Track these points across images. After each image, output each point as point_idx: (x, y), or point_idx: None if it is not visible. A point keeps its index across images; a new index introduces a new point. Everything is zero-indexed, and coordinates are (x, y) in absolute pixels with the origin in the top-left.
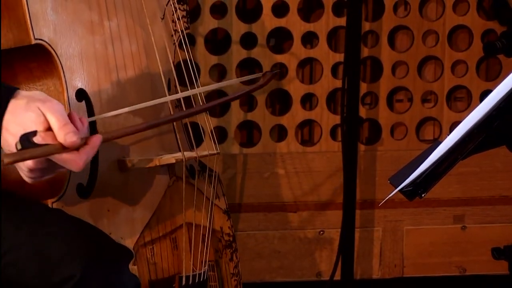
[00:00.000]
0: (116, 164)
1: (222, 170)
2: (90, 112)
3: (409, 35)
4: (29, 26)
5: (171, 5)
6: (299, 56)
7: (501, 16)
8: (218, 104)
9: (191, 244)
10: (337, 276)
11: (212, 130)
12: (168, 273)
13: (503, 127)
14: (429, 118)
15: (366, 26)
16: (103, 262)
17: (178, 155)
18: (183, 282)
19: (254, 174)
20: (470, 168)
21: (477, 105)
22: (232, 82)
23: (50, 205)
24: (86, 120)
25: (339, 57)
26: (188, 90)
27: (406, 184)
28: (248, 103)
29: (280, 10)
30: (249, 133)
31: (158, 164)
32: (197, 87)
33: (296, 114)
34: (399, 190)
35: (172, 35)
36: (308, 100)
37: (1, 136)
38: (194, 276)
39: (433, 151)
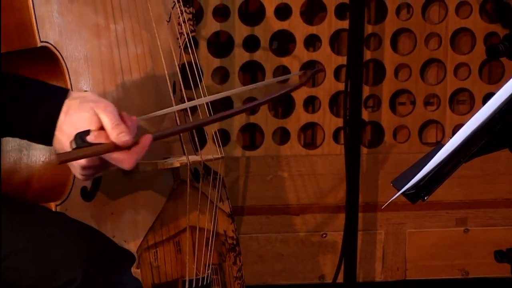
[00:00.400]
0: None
1: (225, 173)
2: None
3: (411, 38)
4: (35, 28)
5: (177, 8)
6: (301, 59)
7: (503, 19)
8: (256, 105)
9: (195, 247)
10: (340, 279)
11: (216, 133)
12: (172, 277)
13: (506, 130)
14: (431, 121)
15: (369, 29)
16: (105, 266)
17: (183, 159)
18: (187, 286)
19: (257, 177)
20: (473, 171)
21: (480, 108)
22: (268, 82)
23: (54, 208)
24: (136, 120)
25: (342, 60)
26: (193, 92)
27: (409, 187)
28: None
29: (282, 13)
30: (251, 136)
31: (162, 168)
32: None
33: (299, 117)
34: (401, 193)
35: (178, 38)
36: (310, 103)
37: (55, 136)
38: (197, 280)
39: (435, 154)
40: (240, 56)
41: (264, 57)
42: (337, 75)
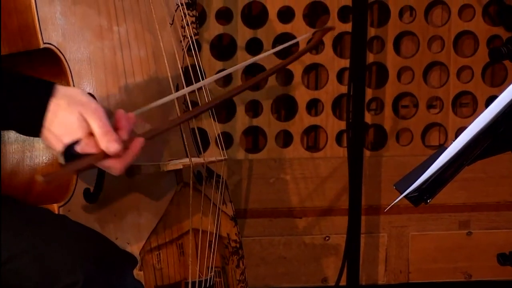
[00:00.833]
0: None
1: (228, 175)
2: None
3: (414, 41)
4: (38, 30)
5: (180, 10)
6: (304, 62)
7: (506, 22)
8: (257, 81)
9: (198, 250)
10: (343, 282)
11: (219, 135)
12: (174, 279)
13: (509, 133)
14: (434, 124)
15: (372, 31)
16: (106, 269)
17: (186, 161)
18: None
19: (260, 179)
20: (476, 174)
21: (483, 111)
22: (268, 53)
23: (56, 209)
24: (133, 116)
25: (345, 62)
26: (197, 96)
27: (412, 190)
28: (254, 108)
29: (285, 15)
30: (254, 138)
31: (165, 170)
32: (204, 93)
33: (302, 119)
34: (404, 196)
35: (181, 41)
36: (313, 106)
37: (42, 134)
38: (200, 282)
39: (438, 157)
40: (242, 58)
41: (266, 60)
42: (340, 78)
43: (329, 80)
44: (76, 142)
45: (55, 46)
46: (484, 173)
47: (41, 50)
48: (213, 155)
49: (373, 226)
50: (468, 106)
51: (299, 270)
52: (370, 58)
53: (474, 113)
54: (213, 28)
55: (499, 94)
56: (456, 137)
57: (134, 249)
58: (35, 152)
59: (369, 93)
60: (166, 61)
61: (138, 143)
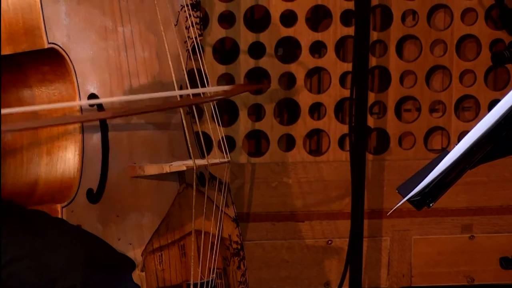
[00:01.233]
0: (126, 170)
1: (230, 179)
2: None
3: (417, 45)
4: (43, 30)
5: (184, 11)
6: (307, 65)
7: (509, 26)
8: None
9: (200, 251)
10: (345, 286)
11: (223, 137)
12: (176, 281)
13: (511, 137)
14: (437, 128)
15: (374, 35)
16: (104, 272)
17: (189, 162)
18: None
19: (262, 183)
20: (478, 177)
21: (485, 114)
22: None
23: (60, 210)
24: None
25: (347, 66)
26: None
27: (414, 194)
28: (256, 112)
29: (288, 19)
30: (257, 142)
31: (168, 171)
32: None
33: (304, 123)
34: (407, 200)
35: (185, 42)
36: (316, 110)
37: None
38: (202, 283)
39: (441, 160)
40: (245, 62)
41: (269, 63)
42: (342, 82)
43: (331, 84)
44: None
45: (59, 46)
46: (487, 177)
47: (46, 50)
48: (216, 157)
49: (375, 229)
50: (470, 109)
51: (301, 274)
52: (373, 62)
53: (477, 116)
54: (216, 32)
55: (502, 98)
56: (458, 141)
57: (136, 250)
58: (38, 153)
59: (371, 97)
60: (170, 62)
61: None
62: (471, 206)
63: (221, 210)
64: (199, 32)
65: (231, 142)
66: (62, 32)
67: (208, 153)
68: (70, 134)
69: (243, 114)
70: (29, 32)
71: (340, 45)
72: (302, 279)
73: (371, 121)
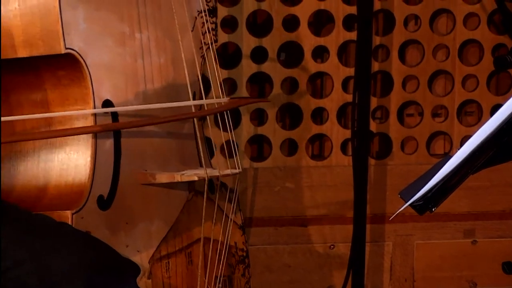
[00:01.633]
0: (137, 177)
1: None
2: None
3: (419, 49)
4: (61, 35)
5: (201, 17)
6: (309, 70)
7: (511, 31)
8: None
9: (207, 259)
10: None
11: (235, 147)
12: None
13: None
14: (439, 133)
15: (377, 40)
16: (107, 277)
17: (201, 172)
18: None
19: (265, 188)
20: (481, 182)
21: (488, 119)
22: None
23: (70, 216)
24: None
25: (350, 71)
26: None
27: (417, 199)
28: (259, 117)
29: (290, 24)
30: (259, 147)
31: (180, 181)
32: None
33: (307, 128)
34: (409, 205)
35: (201, 47)
36: (318, 114)
37: None
38: None
39: (443, 165)
40: (248, 67)
41: (272, 68)
42: (345, 87)
43: (334, 89)
44: None
45: (76, 52)
46: (489, 182)
47: (63, 55)
48: (221, 164)
49: (378, 234)
50: (473, 114)
51: (304, 278)
52: (375, 66)
53: (479, 121)
54: (219, 37)
55: (504, 103)
56: (461, 145)
57: (144, 257)
58: (49, 156)
59: (374, 101)
60: (185, 69)
61: None
62: (474, 211)
63: (230, 218)
64: (215, 38)
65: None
66: (79, 37)
67: (211, 159)
68: (83, 139)
69: (245, 119)
70: (47, 36)
71: (343, 49)
72: (305, 284)
73: (373, 126)
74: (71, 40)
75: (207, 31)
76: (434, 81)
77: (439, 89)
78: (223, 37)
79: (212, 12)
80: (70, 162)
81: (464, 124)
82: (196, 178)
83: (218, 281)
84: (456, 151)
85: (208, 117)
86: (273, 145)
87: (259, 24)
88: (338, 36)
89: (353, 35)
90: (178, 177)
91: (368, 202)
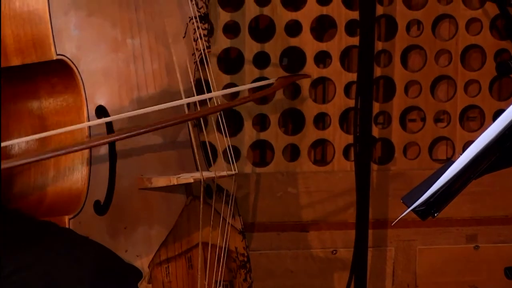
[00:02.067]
0: (134, 181)
1: (235, 189)
2: (110, 129)
3: (422, 55)
4: (52, 41)
5: (193, 23)
6: (312, 75)
7: None
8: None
9: (207, 263)
10: None
11: (230, 149)
12: None
13: None
14: (442, 138)
15: (379, 45)
16: (110, 282)
17: (197, 175)
18: None
19: (267, 193)
20: (483, 187)
21: (490, 124)
22: (244, 87)
23: (67, 221)
24: None
25: (352, 76)
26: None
27: (419, 204)
28: (261, 122)
29: (293, 29)
30: (262, 152)
31: (176, 183)
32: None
33: (309, 133)
34: (412, 210)
35: (193, 54)
36: (321, 120)
37: None
38: None
39: (446, 170)
40: (250, 72)
41: (274, 73)
42: (347, 92)
43: (336, 94)
44: None
45: (68, 58)
46: (492, 187)
47: (55, 61)
48: (223, 169)
49: (380, 239)
50: (475, 120)
51: (306, 284)
52: (378, 71)
53: (482, 127)
54: (221, 42)
55: (507, 108)
56: (463, 151)
57: (144, 262)
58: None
59: (376, 106)
60: (178, 74)
61: None
62: (476, 216)
63: (228, 223)
64: (207, 44)
65: (235, 152)
66: (71, 43)
67: (214, 163)
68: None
69: (247, 124)
70: (38, 43)
71: (345, 55)
72: None
73: (375, 131)
74: (62, 47)
75: (199, 37)
76: (436, 86)
77: (441, 94)
78: (225, 42)
79: (204, 18)
80: (66, 168)
81: (467, 129)
82: (191, 180)
83: (218, 285)
84: (459, 157)
85: (213, 122)
86: (276, 150)
87: (262, 29)
88: (340, 41)
89: (355, 40)
90: (174, 180)
91: (370, 207)
